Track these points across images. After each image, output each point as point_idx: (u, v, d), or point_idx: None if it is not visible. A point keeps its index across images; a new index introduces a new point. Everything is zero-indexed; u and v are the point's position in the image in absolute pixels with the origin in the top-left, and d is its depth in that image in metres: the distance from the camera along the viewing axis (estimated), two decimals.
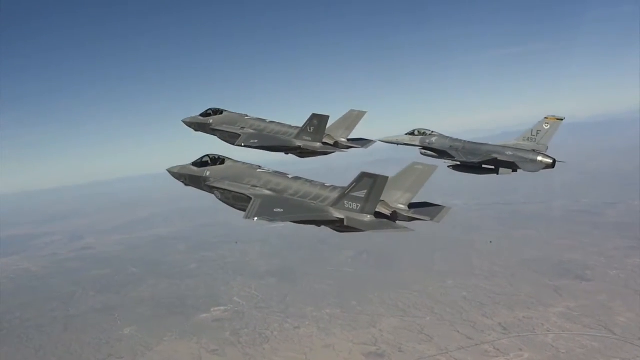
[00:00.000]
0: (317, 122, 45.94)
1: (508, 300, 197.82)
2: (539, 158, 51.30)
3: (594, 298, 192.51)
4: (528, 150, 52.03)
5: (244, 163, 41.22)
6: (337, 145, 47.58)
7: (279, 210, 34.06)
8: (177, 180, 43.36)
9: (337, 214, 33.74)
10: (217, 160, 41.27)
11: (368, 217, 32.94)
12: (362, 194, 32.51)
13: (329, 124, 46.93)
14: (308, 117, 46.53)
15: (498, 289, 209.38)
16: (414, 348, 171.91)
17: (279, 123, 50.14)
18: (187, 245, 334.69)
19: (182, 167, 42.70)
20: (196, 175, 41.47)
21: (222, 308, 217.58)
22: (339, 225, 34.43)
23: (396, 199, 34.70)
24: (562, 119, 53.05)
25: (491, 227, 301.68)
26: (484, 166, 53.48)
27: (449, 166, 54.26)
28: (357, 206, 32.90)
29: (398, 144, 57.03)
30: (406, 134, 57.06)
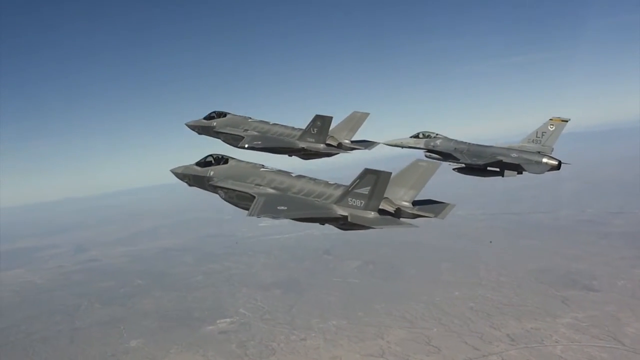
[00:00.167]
0: (321, 123, 46.10)
1: (515, 311, 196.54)
2: (544, 160, 51.16)
3: (602, 308, 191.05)
4: (533, 152, 51.91)
5: (247, 162, 41.40)
6: (340, 147, 47.70)
7: (282, 207, 34.24)
8: (181, 181, 43.60)
9: (341, 211, 33.86)
10: (221, 159, 41.49)
11: (372, 214, 33.02)
12: (365, 190, 32.58)
13: (332, 126, 47.11)
14: (311, 119, 46.71)
15: (505, 300, 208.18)
16: None
17: (282, 125, 50.43)
18: (192, 257, 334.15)
19: (186, 167, 42.92)
20: (200, 175, 41.64)
21: (228, 320, 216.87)
22: (342, 223, 34.59)
23: (400, 196, 34.77)
24: (567, 121, 52.91)
25: (497, 237, 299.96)
26: (489, 168, 53.42)
27: (454, 169, 54.38)
28: (361, 203, 32.97)
29: (402, 147, 56.86)
30: (411, 137, 56.93)
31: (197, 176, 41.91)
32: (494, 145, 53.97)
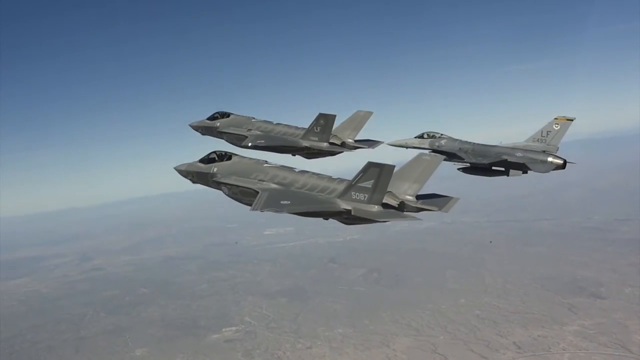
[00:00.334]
0: (324, 121, 46.18)
1: (522, 319, 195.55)
2: (550, 159, 50.93)
3: (610, 316, 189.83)
4: (538, 152, 51.73)
5: (250, 158, 41.58)
6: (344, 146, 47.77)
7: (285, 202, 34.17)
8: (184, 178, 43.52)
9: (345, 205, 33.77)
10: (224, 156, 41.61)
11: (376, 207, 32.92)
12: (369, 184, 32.46)
13: (335, 125, 47.17)
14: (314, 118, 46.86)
15: (511, 307, 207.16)
16: None
17: (285, 125, 50.58)
18: (197, 265, 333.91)
19: (190, 164, 42.93)
20: (203, 172, 41.70)
21: (233, 328, 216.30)
22: (346, 217, 34.53)
23: (404, 190, 34.77)
24: (572, 120, 52.75)
25: (502, 244, 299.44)
26: (493, 168, 53.11)
27: (458, 169, 54.21)
28: (365, 197, 32.86)
29: (407, 148, 56.62)
30: (415, 137, 56.91)
31: (200, 173, 41.99)
32: (498, 144, 53.73)
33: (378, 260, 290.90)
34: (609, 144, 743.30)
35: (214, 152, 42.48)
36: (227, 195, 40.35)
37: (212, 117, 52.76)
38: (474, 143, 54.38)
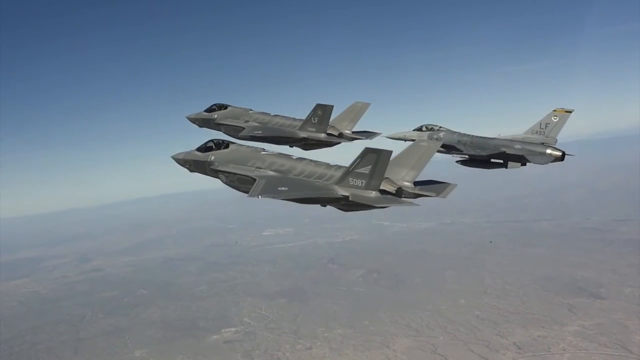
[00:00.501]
0: (321, 112, 46.26)
1: (522, 319, 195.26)
2: (548, 151, 50.74)
3: (609, 316, 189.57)
4: (537, 144, 51.49)
5: (248, 146, 41.60)
6: (341, 137, 47.83)
7: (283, 188, 34.29)
8: (182, 167, 43.55)
9: (342, 192, 33.75)
10: (222, 144, 41.64)
11: (373, 193, 32.93)
12: (366, 169, 32.47)
13: (333, 116, 47.29)
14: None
15: (511, 308, 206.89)
16: None
17: (283, 116, 50.79)
18: (196, 266, 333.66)
19: (187, 153, 42.98)
20: (201, 160, 41.70)
21: (232, 329, 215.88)
22: (344, 203, 34.55)
23: (401, 177, 34.84)
24: (570, 111, 52.39)
25: (502, 245, 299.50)
26: (492, 160, 53.06)
27: (457, 161, 54.17)
28: (362, 182, 32.87)
29: (405, 140, 56.01)
30: (414, 130, 56.60)
31: (198, 161, 41.98)
32: (497, 137, 53.48)
33: (377, 261, 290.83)
34: (609, 144, 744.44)
35: (211, 140, 42.50)
36: (224, 183, 40.44)
37: (210, 109, 52.96)
38: (473, 135, 54.23)
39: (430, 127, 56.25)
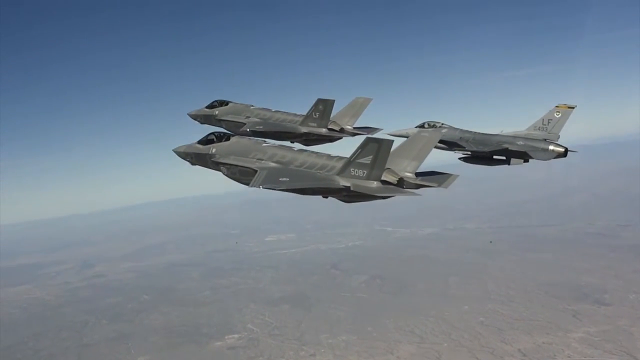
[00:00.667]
0: (323, 107, 46.23)
1: (526, 326, 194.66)
2: (551, 147, 50.45)
3: (614, 323, 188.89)
4: (539, 140, 51.26)
5: (249, 138, 41.71)
6: (342, 132, 47.84)
7: (284, 179, 34.44)
8: (183, 160, 43.55)
9: (344, 182, 33.75)
10: (223, 137, 41.71)
11: (375, 183, 32.97)
12: (367, 159, 32.44)
13: (335, 112, 47.26)
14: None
15: (515, 314, 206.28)
16: None
17: (284, 112, 50.70)
18: (199, 272, 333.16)
19: (188, 146, 42.93)
20: (202, 153, 41.68)
21: (236, 336, 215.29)
22: (345, 194, 34.59)
23: (403, 167, 34.82)
24: (573, 107, 52.34)
25: (505, 250, 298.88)
26: (495, 157, 52.86)
27: (459, 158, 53.94)
28: (363, 173, 32.86)
29: (408, 138, 56.78)
30: (416, 127, 56.44)
31: (199, 154, 41.95)
32: (499, 133, 53.37)
33: (380, 266, 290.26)
34: (611, 149, 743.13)
35: (212, 133, 42.60)
36: (225, 175, 40.42)
37: (211, 106, 53.04)
38: (475, 132, 53.92)
39: (432, 124, 55.89)
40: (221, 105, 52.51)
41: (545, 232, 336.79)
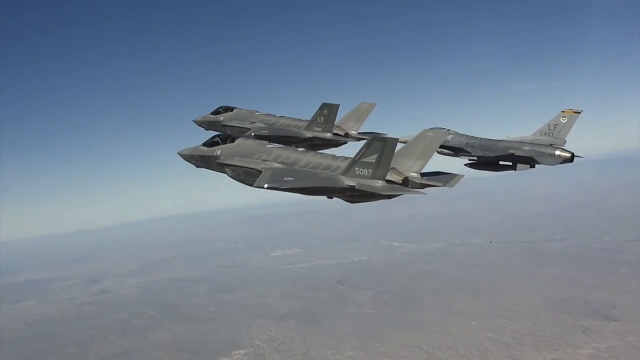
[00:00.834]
0: (327, 111, 46.63)
1: (535, 341, 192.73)
2: (557, 152, 50.51)
3: (624, 339, 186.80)
4: (546, 145, 51.24)
5: (253, 140, 41.91)
6: (347, 137, 48.05)
7: (289, 178, 34.50)
8: (188, 163, 43.82)
9: (348, 182, 33.74)
10: (227, 139, 41.93)
11: (380, 183, 33.00)
12: (372, 158, 32.55)
13: (340, 117, 47.58)
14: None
15: (523, 330, 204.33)
16: None
17: (289, 117, 51.23)
18: (204, 287, 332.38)
19: (193, 148, 43.16)
20: (207, 155, 41.91)
21: (242, 351, 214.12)
22: (350, 194, 34.64)
23: (408, 167, 34.76)
24: (579, 112, 52.09)
25: (512, 265, 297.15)
26: (501, 162, 52.87)
27: (465, 164, 53.81)
28: (368, 172, 32.95)
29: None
30: None
31: (204, 156, 42.20)
32: (505, 139, 53.25)
33: (387, 282, 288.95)
34: (619, 164, 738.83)
35: (217, 135, 43.00)
36: (230, 176, 40.57)
37: (216, 112, 53.49)
38: (481, 138, 53.96)
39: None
40: (226, 111, 53.04)
41: (553, 247, 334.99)
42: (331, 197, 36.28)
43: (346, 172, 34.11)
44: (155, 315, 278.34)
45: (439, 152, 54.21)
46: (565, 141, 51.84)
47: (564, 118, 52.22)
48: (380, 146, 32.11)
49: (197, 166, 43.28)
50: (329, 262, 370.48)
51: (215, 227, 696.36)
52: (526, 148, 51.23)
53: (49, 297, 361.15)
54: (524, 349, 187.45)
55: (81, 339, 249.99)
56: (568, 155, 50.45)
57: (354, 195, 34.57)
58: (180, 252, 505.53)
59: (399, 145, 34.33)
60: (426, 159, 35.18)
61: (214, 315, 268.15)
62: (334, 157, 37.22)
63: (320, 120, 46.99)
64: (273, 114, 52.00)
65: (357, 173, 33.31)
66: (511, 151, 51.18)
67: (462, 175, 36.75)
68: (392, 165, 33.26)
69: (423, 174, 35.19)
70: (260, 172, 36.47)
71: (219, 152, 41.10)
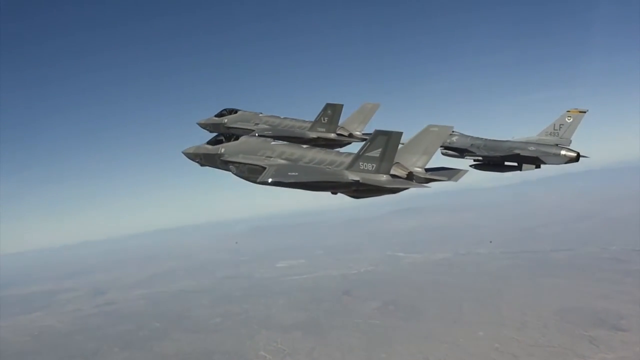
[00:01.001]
0: (331, 111, 46.75)
1: (542, 352, 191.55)
2: (563, 152, 50.53)
3: (632, 349, 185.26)
4: (551, 145, 51.29)
5: (257, 137, 42.10)
6: (351, 137, 48.17)
7: (293, 173, 34.43)
8: (192, 162, 43.97)
9: (353, 176, 33.64)
10: (231, 137, 42.07)
11: (384, 177, 32.82)
12: (376, 153, 32.41)
13: (344, 118, 47.75)
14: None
15: (531, 340, 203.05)
16: None
17: (293, 119, 51.49)
18: (209, 298, 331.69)
19: (197, 147, 43.30)
20: (211, 153, 42.00)
21: None
22: (355, 189, 34.47)
23: (412, 163, 34.81)
24: (584, 112, 52.08)
25: (518, 276, 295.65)
26: (506, 163, 52.93)
27: (471, 165, 53.73)
28: (373, 166, 32.84)
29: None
30: None
31: (208, 154, 42.29)
32: (510, 139, 53.28)
33: (393, 292, 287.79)
34: (624, 173, 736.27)
35: (221, 133, 43.32)
36: (234, 174, 40.62)
37: (220, 114, 53.89)
38: (486, 139, 54.08)
39: None
40: (230, 114, 53.50)
41: (559, 257, 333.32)
42: (335, 193, 36.20)
43: (350, 166, 34.06)
44: (161, 326, 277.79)
45: (444, 154, 54.56)
46: (571, 141, 51.92)
47: (569, 118, 52.27)
48: (384, 140, 32.00)
49: (202, 165, 43.44)
50: (335, 272, 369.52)
51: (220, 238, 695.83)
52: (532, 148, 51.29)
53: (54, 309, 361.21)
54: None
55: (86, 350, 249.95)
56: (574, 154, 50.48)
57: (359, 190, 34.45)
58: (185, 263, 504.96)
59: (403, 142, 34.37)
60: (431, 154, 35.19)
61: (219, 326, 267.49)
62: (338, 153, 37.46)
63: (324, 120, 47.13)
64: (277, 115, 52.38)
65: (362, 167, 33.24)
66: (517, 151, 51.27)
67: (467, 170, 37.12)
68: (396, 161, 33.26)
69: (427, 170, 35.24)
70: (265, 168, 36.55)
71: (223, 150, 41.22)
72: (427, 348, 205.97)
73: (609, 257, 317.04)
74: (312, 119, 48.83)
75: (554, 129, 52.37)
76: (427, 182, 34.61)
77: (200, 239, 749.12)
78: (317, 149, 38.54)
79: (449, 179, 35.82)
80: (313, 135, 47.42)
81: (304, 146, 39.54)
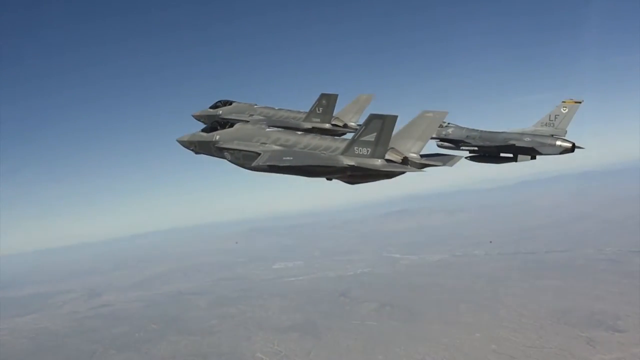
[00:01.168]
0: (326, 101, 46.44)
1: (539, 353, 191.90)
2: (558, 142, 50.48)
3: (629, 350, 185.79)
4: (546, 136, 51.25)
5: (252, 124, 41.92)
6: (346, 127, 47.96)
7: (288, 158, 34.59)
8: (187, 149, 43.89)
9: (348, 161, 33.58)
10: (226, 124, 42.07)
11: (379, 161, 32.72)
12: (371, 137, 32.26)
13: (338, 109, 47.62)
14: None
15: (528, 342, 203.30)
16: None
17: (288, 110, 51.21)
18: (206, 300, 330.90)
19: (192, 135, 43.26)
20: (206, 141, 41.96)
21: None
22: (350, 174, 34.44)
23: (407, 148, 34.57)
24: (580, 102, 51.91)
25: (515, 277, 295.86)
26: (502, 154, 53.03)
27: (466, 157, 53.46)
28: (368, 151, 32.71)
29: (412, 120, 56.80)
30: None
31: (203, 142, 42.26)
32: (506, 130, 53.31)
33: (390, 294, 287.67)
34: (621, 174, 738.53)
35: (216, 121, 43.30)
36: (229, 161, 40.47)
37: (215, 106, 53.62)
38: (481, 130, 54.13)
39: None
40: (225, 105, 53.23)
41: (556, 259, 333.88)
42: (330, 179, 36.19)
43: (345, 151, 33.93)
44: (157, 328, 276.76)
45: (439, 146, 54.72)
46: (566, 131, 51.85)
47: (564, 108, 52.15)
48: (379, 124, 31.81)
49: (196, 152, 43.41)
50: (331, 274, 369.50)
51: (217, 240, 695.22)
52: (527, 139, 51.35)
53: (50, 311, 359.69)
54: None
55: (83, 352, 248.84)
56: (569, 145, 50.49)
57: (354, 175, 34.47)
58: (181, 265, 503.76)
59: (398, 127, 34.30)
60: (426, 139, 35.04)
61: (215, 328, 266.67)
62: (333, 139, 37.39)
63: (319, 111, 46.88)
64: (272, 106, 52.22)
65: (357, 152, 33.11)
66: (512, 142, 51.34)
67: (462, 157, 37.09)
68: (391, 146, 33.17)
69: (422, 156, 35.16)
70: (259, 154, 36.53)
71: (217, 137, 41.15)
72: (424, 349, 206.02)
73: (606, 259, 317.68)
74: (307, 110, 48.73)
75: (550, 120, 52.32)
76: (422, 167, 34.60)
77: (197, 240, 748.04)
78: (312, 135, 38.51)
79: (444, 164, 35.66)
80: (308, 125, 47.08)
81: (299, 132, 39.43)
